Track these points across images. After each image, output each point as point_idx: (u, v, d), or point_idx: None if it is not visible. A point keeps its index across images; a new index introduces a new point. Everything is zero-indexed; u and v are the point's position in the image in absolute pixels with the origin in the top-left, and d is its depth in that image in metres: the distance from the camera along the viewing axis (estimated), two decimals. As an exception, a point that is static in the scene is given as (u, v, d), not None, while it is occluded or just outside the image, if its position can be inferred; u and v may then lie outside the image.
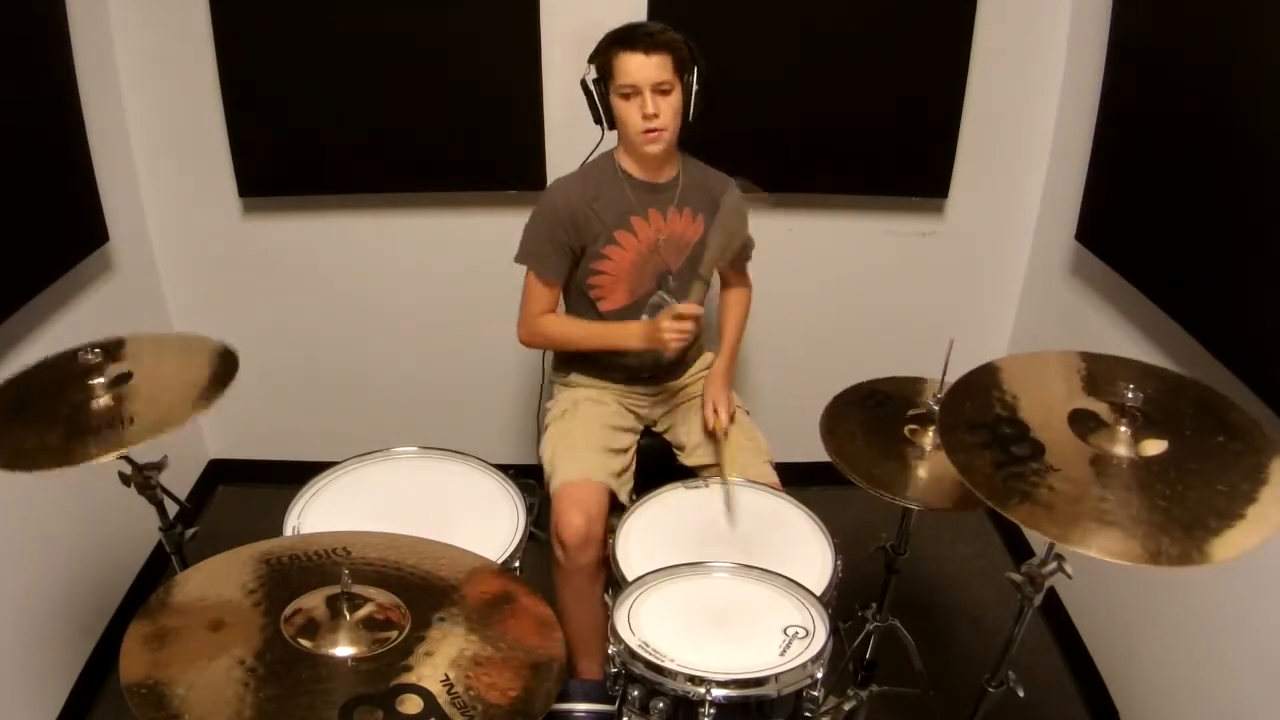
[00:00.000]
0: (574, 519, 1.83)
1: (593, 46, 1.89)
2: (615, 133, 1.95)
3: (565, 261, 1.98)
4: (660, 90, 1.82)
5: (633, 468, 2.07)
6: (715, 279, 2.19)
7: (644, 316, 2.01)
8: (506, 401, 2.85)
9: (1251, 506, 1.20)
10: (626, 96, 1.83)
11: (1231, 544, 1.15)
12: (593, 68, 1.89)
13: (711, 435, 2.02)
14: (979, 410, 1.39)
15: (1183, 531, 1.17)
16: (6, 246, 1.90)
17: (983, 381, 1.47)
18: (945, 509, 1.59)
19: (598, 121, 1.94)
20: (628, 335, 1.96)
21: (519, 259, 1.99)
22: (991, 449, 1.31)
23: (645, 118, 1.83)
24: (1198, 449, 1.30)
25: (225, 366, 1.61)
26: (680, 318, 1.84)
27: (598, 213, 1.94)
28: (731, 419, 2.01)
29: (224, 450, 2.99)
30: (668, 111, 1.84)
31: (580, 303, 2.06)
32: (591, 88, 1.89)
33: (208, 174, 2.51)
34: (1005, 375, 1.49)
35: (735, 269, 2.17)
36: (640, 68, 1.80)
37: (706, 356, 2.23)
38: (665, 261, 2.01)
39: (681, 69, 1.84)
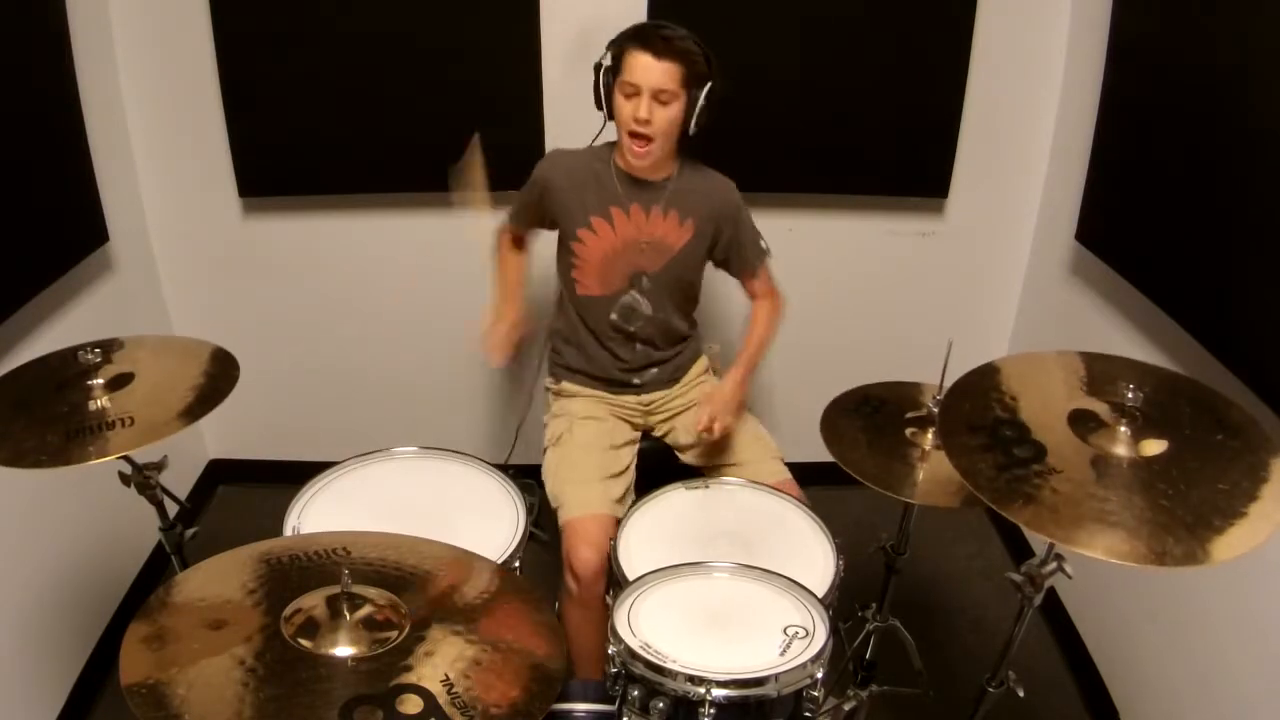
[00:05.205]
0: (586, 554, 1.81)
1: (592, 46, 1.88)
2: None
3: (529, 219, 2.07)
4: (659, 98, 1.78)
5: (633, 478, 2.05)
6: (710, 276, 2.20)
7: (613, 316, 2.03)
8: (506, 402, 2.85)
9: (1253, 504, 1.20)
10: (627, 95, 1.81)
11: (1235, 542, 1.15)
12: (609, 55, 1.85)
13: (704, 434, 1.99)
14: (979, 412, 1.39)
15: (1186, 531, 1.16)
16: (7, 246, 1.90)
17: (982, 383, 1.47)
18: (948, 506, 1.59)
19: (599, 108, 1.91)
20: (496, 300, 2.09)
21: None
22: (993, 451, 1.31)
23: (636, 120, 1.80)
24: (1197, 448, 1.30)
25: (225, 370, 1.61)
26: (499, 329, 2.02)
27: (580, 193, 1.93)
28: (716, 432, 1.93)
29: (224, 450, 2.98)
30: (661, 121, 1.80)
31: (564, 280, 2.08)
32: (598, 74, 1.85)
33: (208, 174, 2.51)
34: (1004, 376, 1.49)
35: (740, 273, 2.09)
36: (646, 70, 1.76)
37: (702, 361, 2.20)
38: (643, 263, 1.99)
39: (691, 82, 1.80)
